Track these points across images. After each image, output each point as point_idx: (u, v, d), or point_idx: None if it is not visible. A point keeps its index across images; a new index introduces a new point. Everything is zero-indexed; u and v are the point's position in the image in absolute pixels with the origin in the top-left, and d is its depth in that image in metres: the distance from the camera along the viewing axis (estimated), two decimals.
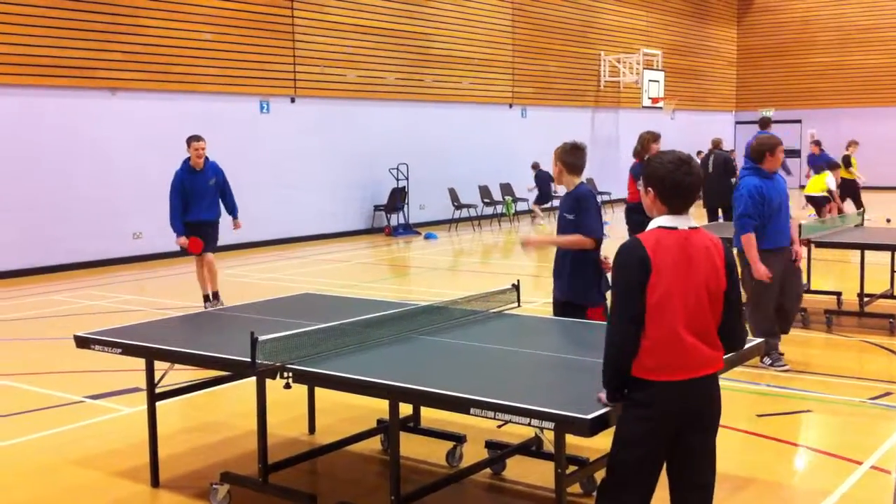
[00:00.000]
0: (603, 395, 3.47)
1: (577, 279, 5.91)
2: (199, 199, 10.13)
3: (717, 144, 16.78)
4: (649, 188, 3.42)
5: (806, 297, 10.12)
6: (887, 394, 6.87)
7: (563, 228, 5.98)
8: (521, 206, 22.89)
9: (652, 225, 3.42)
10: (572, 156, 5.94)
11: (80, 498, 5.15)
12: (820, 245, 9.40)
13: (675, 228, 3.36)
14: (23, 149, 13.94)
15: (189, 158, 10.09)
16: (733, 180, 16.97)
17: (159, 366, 5.12)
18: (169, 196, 9.94)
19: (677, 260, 3.31)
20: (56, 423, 6.43)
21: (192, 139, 10.12)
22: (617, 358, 3.33)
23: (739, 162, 19.07)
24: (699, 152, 21.68)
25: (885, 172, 29.47)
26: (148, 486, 5.21)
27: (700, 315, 3.34)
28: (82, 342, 5.22)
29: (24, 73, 14.00)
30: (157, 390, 5.20)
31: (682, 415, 3.35)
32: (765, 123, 15.65)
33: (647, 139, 10.26)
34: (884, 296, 9.85)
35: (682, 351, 3.30)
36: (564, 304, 6.02)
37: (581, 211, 5.86)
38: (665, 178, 3.37)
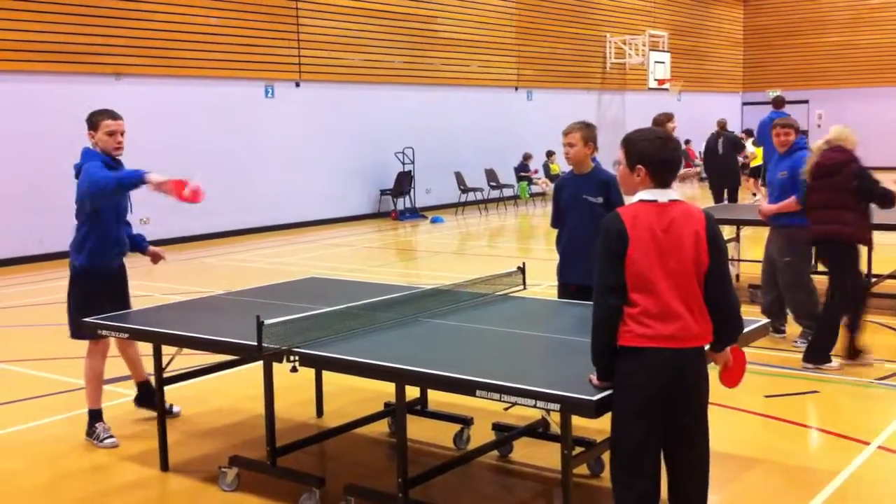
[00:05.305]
0: (594, 377, 3.50)
1: None
2: (122, 217, 5.92)
3: (723, 126, 16.72)
4: (639, 166, 3.43)
5: (813, 277, 10.10)
6: (894, 374, 6.85)
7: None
8: (534, 188, 22.78)
9: (633, 199, 3.47)
10: None
11: (90, 482, 5.18)
12: None
13: (654, 201, 3.41)
14: (28, 134, 13.96)
15: (88, 149, 5.86)
16: (740, 158, 17.02)
17: (167, 350, 5.14)
18: (95, 180, 5.56)
19: (655, 231, 3.35)
20: (65, 408, 6.46)
21: (104, 115, 5.78)
22: (601, 329, 3.38)
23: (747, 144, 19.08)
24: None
25: (893, 153, 29.33)
26: (157, 470, 5.23)
27: (686, 286, 3.36)
28: (90, 328, 5.24)
29: (30, 59, 14.00)
30: (165, 375, 5.22)
31: (674, 384, 3.35)
32: (778, 103, 15.59)
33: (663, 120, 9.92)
34: (891, 276, 9.81)
35: (670, 320, 3.32)
36: (580, 288, 5.64)
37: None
38: (655, 155, 3.42)
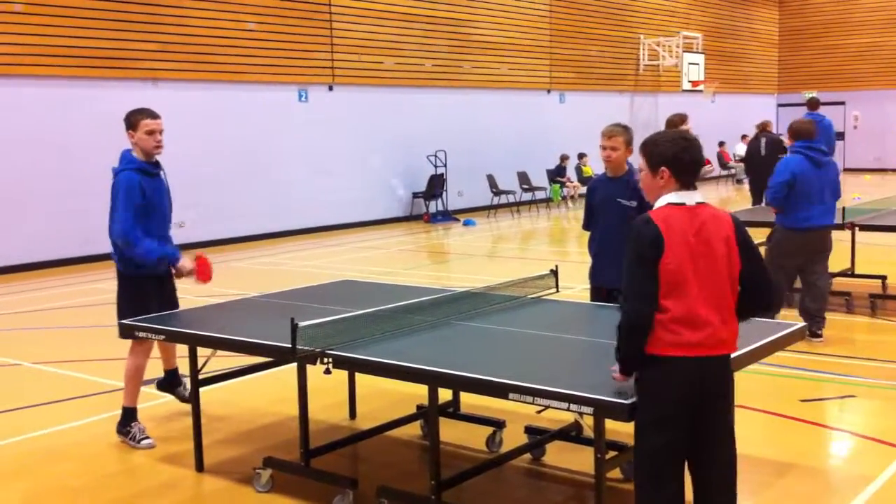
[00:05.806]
0: (616, 373, 3.47)
1: None
2: (161, 223, 5.90)
3: (765, 127, 16.57)
4: (662, 168, 3.40)
5: (850, 281, 10.01)
6: None
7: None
8: (566, 191, 22.71)
9: (661, 202, 3.42)
10: None
11: (126, 483, 5.24)
12: (864, 228, 9.27)
13: (683, 204, 3.37)
14: (68, 139, 14.14)
15: (130, 151, 5.84)
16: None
17: (202, 352, 5.19)
18: (138, 247, 5.71)
19: (688, 235, 3.31)
20: (100, 409, 6.54)
21: (143, 114, 5.86)
22: (632, 336, 3.33)
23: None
24: (744, 136, 21.44)
25: None
26: (192, 470, 5.29)
27: (718, 290, 3.33)
28: (127, 329, 5.31)
29: (67, 65, 14.18)
30: (200, 376, 5.27)
31: (700, 393, 3.33)
32: (813, 105, 15.43)
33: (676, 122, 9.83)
34: None
35: (699, 327, 3.29)
36: (611, 291, 5.64)
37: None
38: (679, 155, 3.39)
